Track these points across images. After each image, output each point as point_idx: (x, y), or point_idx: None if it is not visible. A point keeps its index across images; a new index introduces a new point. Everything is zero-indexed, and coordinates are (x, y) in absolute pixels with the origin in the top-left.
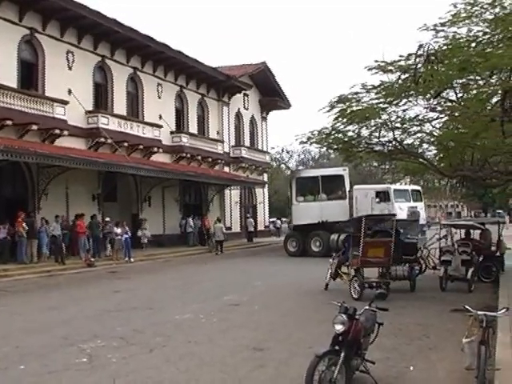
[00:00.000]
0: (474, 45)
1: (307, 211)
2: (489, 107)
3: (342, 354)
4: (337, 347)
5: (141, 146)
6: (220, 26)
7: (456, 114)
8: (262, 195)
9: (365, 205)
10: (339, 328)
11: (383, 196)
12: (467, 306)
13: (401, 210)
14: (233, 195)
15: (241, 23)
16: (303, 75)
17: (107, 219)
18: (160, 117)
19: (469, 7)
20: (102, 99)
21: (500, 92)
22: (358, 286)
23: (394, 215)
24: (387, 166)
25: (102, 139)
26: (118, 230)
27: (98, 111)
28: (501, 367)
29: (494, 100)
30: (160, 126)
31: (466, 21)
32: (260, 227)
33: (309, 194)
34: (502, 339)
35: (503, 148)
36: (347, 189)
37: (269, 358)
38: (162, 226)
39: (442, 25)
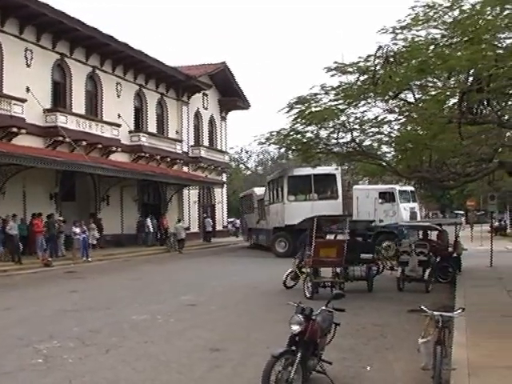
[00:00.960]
0: (432, 47)
1: (299, 211)
2: (447, 109)
3: (299, 355)
4: (293, 347)
5: (99, 145)
6: (180, 26)
7: (414, 116)
8: (220, 195)
9: (367, 205)
10: (296, 328)
11: (388, 197)
12: (423, 307)
13: (405, 210)
14: (191, 195)
15: (201, 23)
16: (263, 76)
17: (60, 218)
18: (119, 116)
19: (428, 10)
20: (60, 98)
21: (458, 94)
22: (311, 286)
23: (350, 215)
24: (346, 167)
25: (61, 138)
26: (77, 230)
27: (57, 110)
28: (457, 367)
29: (452, 102)
30: (119, 125)
31: (425, 24)
32: (218, 227)
33: (300, 193)
34: (458, 339)
35: (461, 150)
36: (339, 188)
37: (225, 358)
38: (121, 225)
39: (402, 28)
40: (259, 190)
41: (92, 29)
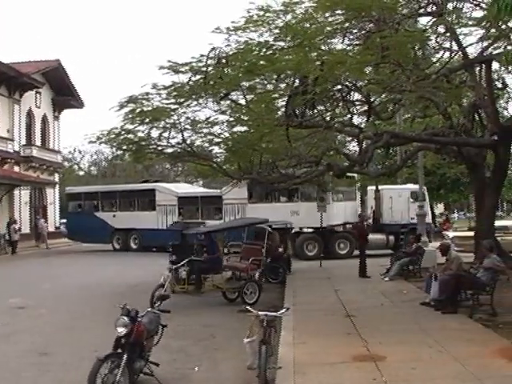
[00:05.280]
0: (264, 50)
1: (339, 211)
2: (277, 111)
3: (125, 357)
4: (119, 350)
5: None
6: (12, 20)
7: (243, 117)
8: (52, 196)
9: (400, 204)
10: (121, 330)
11: (418, 196)
12: (248, 307)
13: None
14: (22, 195)
15: (35, 19)
16: (100, 75)
17: None
18: None
19: (262, 13)
20: None
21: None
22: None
23: (267, 220)
24: (180, 168)
25: None
26: None
27: None
28: (282, 365)
29: (281, 104)
30: None
31: (259, 26)
32: (50, 228)
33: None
34: (285, 338)
35: (291, 152)
36: (357, 190)
37: (54, 362)
38: None
39: (236, 29)
40: (178, 187)
41: None
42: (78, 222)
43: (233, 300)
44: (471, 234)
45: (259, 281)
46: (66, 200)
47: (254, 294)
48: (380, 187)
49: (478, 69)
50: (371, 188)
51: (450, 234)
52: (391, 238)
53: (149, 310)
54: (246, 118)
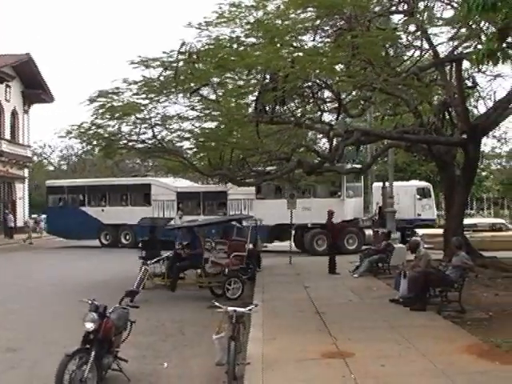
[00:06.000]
0: (236, 45)
1: (351, 207)
2: (246, 107)
3: (93, 353)
4: (87, 346)
5: None
6: None
7: (213, 113)
8: (22, 190)
9: (406, 201)
10: (89, 326)
11: (424, 192)
12: (217, 303)
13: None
14: None
15: (4, 12)
16: (71, 70)
17: None
18: None
19: (233, 9)
20: None
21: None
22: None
23: (251, 217)
24: (150, 164)
25: None
26: None
27: None
28: (251, 361)
29: (251, 100)
30: None
31: (230, 22)
32: (20, 223)
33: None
34: (254, 334)
35: (262, 148)
36: (363, 186)
37: (22, 358)
38: None
39: (207, 24)
40: (177, 182)
41: None
42: (61, 216)
43: (220, 295)
44: (440, 231)
45: (241, 276)
46: (46, 194)
47: (238, 289)
48: (387, 183)
49: (448, 67)
50: (377, 184)
51: (420, 231)
52: (398, 233)
53: (117, 305)
54: (216, 114)
